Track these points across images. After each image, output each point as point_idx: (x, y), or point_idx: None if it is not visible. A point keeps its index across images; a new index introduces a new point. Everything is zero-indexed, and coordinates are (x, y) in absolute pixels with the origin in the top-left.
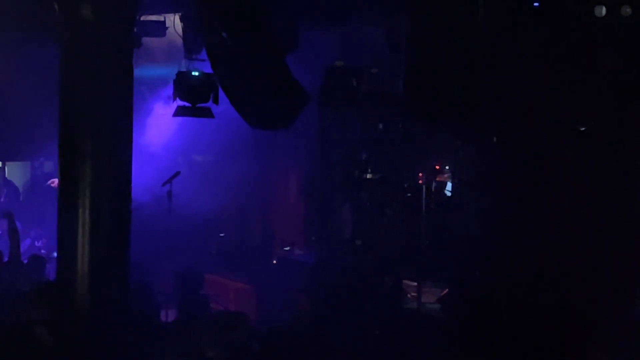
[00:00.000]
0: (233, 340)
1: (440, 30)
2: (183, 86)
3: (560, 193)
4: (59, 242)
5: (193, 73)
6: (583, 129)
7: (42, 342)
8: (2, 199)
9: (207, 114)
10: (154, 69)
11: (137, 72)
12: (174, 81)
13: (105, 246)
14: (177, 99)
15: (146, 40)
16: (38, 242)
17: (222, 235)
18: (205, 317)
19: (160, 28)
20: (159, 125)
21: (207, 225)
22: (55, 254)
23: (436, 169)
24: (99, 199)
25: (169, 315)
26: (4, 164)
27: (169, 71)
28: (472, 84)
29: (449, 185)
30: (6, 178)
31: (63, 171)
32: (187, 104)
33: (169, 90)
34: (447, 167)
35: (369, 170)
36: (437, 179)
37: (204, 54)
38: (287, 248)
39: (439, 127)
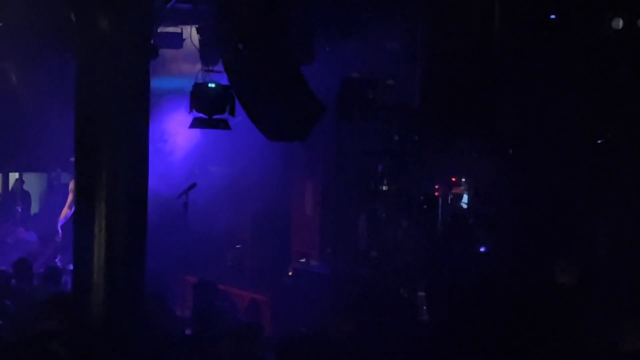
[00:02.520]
0: (248, 351)
1: (457, 42)
2: (200, 98)
3: (577, 204)
4: (75, 253)
5: (209, 85)
6: (600, 141)
7: (57, 354)
8: (19, 209)
9: (224, 125)
10: (171, 80)
11: (154, 83)
12: (191, 93)
13: (121, 258)
14: (194, 110)
15: (163, 51)
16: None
17: (238, 246)
18: (220, 329)
19: (177, 39)
20: (175, 136)
21: (223, 236)
22: (71, 266)
23: (452, 180)
24: (115, 210)
25: (184, 326)
26: (21, 175)
27: (186, 82)
28: (489, 96)
29: (465, 198)
30: (23, 189)
31: (79, 182)
32: (203, 116)
33: (186, 101)
34: (463, 179)
35: (385, 182)
36: (453, 190)
37: (220, 66)
38: (303, 259)
39: (455, 139)
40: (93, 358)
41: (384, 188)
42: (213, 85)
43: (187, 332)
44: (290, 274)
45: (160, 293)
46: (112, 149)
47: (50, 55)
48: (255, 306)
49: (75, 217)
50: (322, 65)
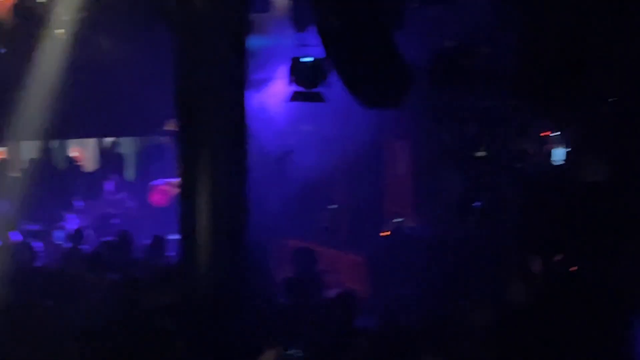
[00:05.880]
0: (346, 320)
1: (550, 4)
2: (297, 71)
3: None
4: (180, 225)
5: (306, 58)
6: None
7: (167, 329)
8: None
9: (320, 98)
10: (263, 43)
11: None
12: (289, 67)
13: (225, 228)
14: (292, 84)
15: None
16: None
17: (333, 207)
18: (318, 297)
19: (266, 4)
20: (268, 98)
21: (317, 196)
22: (172, 236)
23: (543, 136)
24: (218, 181)
25: (282, 294)
26: (114, 140)
27: (277, 45)
28: (583, 59)
29: (557, 154)
30: (118, 152)
31: (181, 155)
32: (301, 89)
33: (277, 64)
34: (554, 135)
35: (479, 147)
36: (546, 147)
37: (316, 39)
38: (398, 220)
39: (549, 104)
40: (201, 332)
41: (479, 153)
42: (310, 59)
43: (286, 301)
44: (385, 234)
45: (262, 261)
46: (212, 120)
47: (147, 27)
48: (352, 268)
49: (180, 191)
50: (415, 33)
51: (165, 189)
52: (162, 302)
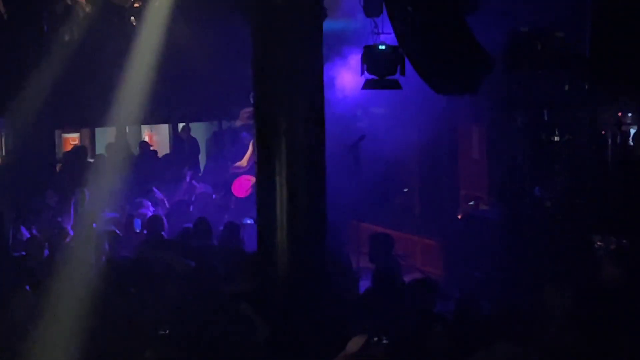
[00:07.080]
0: (423, 307)
1: None
2: (371, 60)
3: None
4: (258, 213)
5: (380, 47)
6: None
7: (246, 315)
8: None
9: (395, 85)
10: (337, 28)
11: None
12: (362, 55)
13: (303, 216)
14: (366, 72)
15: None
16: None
17: (405, 190)
18: (395, 286)
19: None
20: (342, 83)
21: (390, 179)
22: (247, 220)
23: (619, 116)
24: (296, 169)
25: (359, 281)
26: (187, 124)
27: (351, 31)
28: None
29: (633, 135)
30: (191, 136)
31: (260, 144)
32: (375, 77)
33: (351, 50)
34: (629, 114)
35: (556, 132)
36: (622, 128)
37: (389, 27)
38: (472, 203)
39: (625, 86)
40: (279, 319)
41: (555, 139)
42: (383, 47)
43: (363, 288)
44: (459, 217)
45: (338, 247)
46: (290, 109)
47: (222, 13)
48: (427, 252)
49: (258, 178)
50: (490, 18)
51: (247, 179)
52: (243, 289)
